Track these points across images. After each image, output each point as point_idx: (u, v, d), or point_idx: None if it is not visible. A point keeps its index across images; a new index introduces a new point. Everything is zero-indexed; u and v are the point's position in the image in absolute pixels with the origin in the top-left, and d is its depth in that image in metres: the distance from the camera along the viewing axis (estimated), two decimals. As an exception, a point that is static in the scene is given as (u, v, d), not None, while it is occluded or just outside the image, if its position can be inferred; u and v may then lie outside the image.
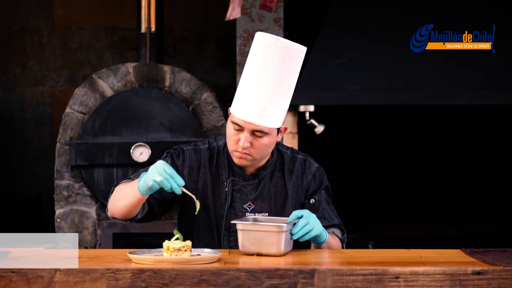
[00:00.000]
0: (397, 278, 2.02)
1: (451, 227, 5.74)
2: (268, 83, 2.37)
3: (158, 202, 2.49)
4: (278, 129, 2.46)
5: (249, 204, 2.49)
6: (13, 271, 2.02)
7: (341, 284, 2.02)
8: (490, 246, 2.52)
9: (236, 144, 2.42)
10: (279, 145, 2.59)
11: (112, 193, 2.47)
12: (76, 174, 5.02)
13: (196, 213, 2.33)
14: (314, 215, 2.33)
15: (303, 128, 5.09)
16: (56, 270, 2.02)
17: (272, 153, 2.55)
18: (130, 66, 5.12)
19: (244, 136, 2.40)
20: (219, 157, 2.54)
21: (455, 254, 2.31)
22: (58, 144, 5.04)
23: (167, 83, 5.10)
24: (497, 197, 5.88)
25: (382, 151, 5.88)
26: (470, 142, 5.88)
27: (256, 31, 2.43)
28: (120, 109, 5.01)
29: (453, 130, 5.87)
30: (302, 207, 2.55)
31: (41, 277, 2.02)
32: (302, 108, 4.85)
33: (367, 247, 5.20)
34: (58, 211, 5.03)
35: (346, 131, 5.81)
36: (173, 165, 2.50)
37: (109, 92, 5.07)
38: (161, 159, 2.51)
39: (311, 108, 4.85)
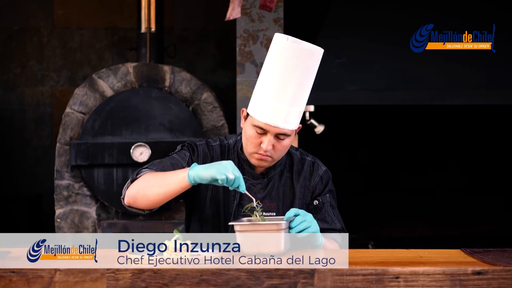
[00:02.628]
0: (397, 278, 2.02)
1: (451, 227, 5.74)
2: (293, 87, 2.39)
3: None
4: None
5: (258, 203, 2.50)
6: (13, 271, 2.02)
7: (341, 284, 2.02)
8: (490, 246, 2.51)
9: (257, 146, 2.45)
10: None
11: (134, 181, 2.44)
12: (76, 174, 5.02)
13: (246, 210, 2.38)
14: (310, 215, 2.34)
15: (303, 128, 5.08)
16: (56, 270, 2.02)
17: None
18: (130, 66, 5.12)
19: (268, 139, 2.42)
20: (229, 154, 2.56)
21: (455, 254, 2.31)
22: (58, 144, 5.04)
23: (167, 83, 5.10)
24: (497, 197, 5.88)
25: (382, 151, 5.88)
26: (470, 142, 5.88)
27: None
28: (120, 109, 5.01)
29: (453, 130, 5.87)
30: (307, 209, 2.55)
31: (41, 277, 2.02)
32: (302, 108, 4.84)
33: (367, 247, 5.20)
34: (58, 211, 5.03)
35: (346, 131, 5.81)
36: (191, 157, 2.53)
37: (109, 92, 5.07)
38: (177, 152, 2.54)
39: (311, 108, 4.85)
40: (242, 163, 2.54)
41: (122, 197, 2.47)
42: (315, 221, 2.34)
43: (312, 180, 2.57)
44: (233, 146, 2.57)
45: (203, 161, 2.53)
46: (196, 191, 2.47)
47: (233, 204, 2.52)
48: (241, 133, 2.58)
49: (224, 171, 2.27)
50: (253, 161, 2.49)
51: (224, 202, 2.53)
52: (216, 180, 2.28)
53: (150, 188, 2.39)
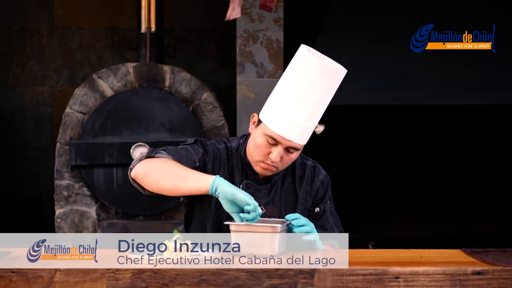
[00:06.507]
0: (397, 278, 2.02)
1: (451, 227, 5.74)
2: (313, 103, 2.37)
3: None
4: None
5: (261, 208, 2.49)
6: (13, 271, 2.02)
7: (341, 284, 2.02)
8: (490, 246, 2.51)
9: (265, 156, 2.42)
10: None
11: (150, 158, 2.37)
12: (76, 174, 5.02)
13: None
14: (312, 224, 2.34)
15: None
16: (56, 270, 2.02)
17: None
18: (130, 66, 5.12)
19: (278, 151, 2.39)
20: (232, 159, 2.53)
21: (455, 254, 2.31)
22: (58, 144, 5.04)
23: (167, 83, 5.10)
24: (497, 197, 5.89)
25: (382, 152, 5.88)
26: (470, 142, 5.88)
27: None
28: (120, 109, 5.01)
29: (453, 130, 5.87)
30: (308, 214, 2.55)
31: (41, 277, 2.02)
32: (302, 108, 4.84)
33: (367, 247, 5.20)
34: (58, 211, 5.03)
35: (346, 131, 5.81)
36: (204, 156, 2.48)
37: (109, 92, 5.07)
38: (191, 145, 2.48)
39: (311, 108, 4.84)
40: (245, 168, 2.51)
41: (130, 167, 2.39)
42: (315, 230, 2.34)
43: (314, 185, 2.56)
44: (235, 149, 2.54)
45: (213, 162, 2.49)
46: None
47: None
48: (243, 136, 2.56)
49: (249, 198, 2.22)
50: (257, 168, 2.46)
51: None
52: (233, 200, 2.22)
53: (166, 175, 2.33)
